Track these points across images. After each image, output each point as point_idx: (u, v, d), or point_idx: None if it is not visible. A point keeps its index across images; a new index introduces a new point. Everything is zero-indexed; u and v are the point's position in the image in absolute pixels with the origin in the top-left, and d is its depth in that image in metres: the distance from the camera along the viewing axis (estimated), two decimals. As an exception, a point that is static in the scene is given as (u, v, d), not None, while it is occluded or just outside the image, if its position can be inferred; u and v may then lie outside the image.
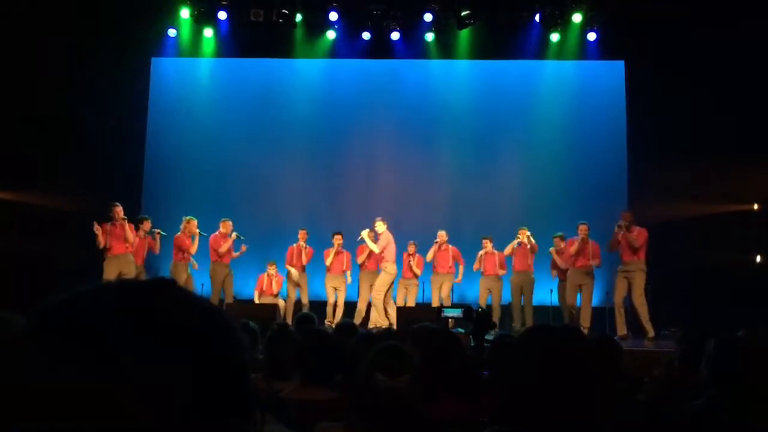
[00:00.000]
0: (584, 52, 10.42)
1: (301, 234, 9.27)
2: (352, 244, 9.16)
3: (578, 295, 8.44)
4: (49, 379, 0.48)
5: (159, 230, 8.75)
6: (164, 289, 0.55)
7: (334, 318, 8.91)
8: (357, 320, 8.45)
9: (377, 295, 8.69)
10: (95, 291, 0.53)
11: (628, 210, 8.50)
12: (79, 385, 0.47)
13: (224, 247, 8.75)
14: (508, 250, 8.91)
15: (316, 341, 2.72)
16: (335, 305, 9.10)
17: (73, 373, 0.47)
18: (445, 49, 10.69)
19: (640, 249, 8.00)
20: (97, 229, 8.00)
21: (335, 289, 9.13)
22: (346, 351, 2.85)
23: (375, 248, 8.82)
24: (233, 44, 10.65)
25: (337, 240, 9.14)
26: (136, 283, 0.55)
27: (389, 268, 8.75)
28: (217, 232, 8.89)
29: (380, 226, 8.91)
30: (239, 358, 0.55)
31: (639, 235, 8.00)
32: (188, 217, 8.73)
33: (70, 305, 0.52)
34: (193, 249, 8.69)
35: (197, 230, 8.74)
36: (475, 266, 9.03)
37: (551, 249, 8.90)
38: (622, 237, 8.03)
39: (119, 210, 8.14)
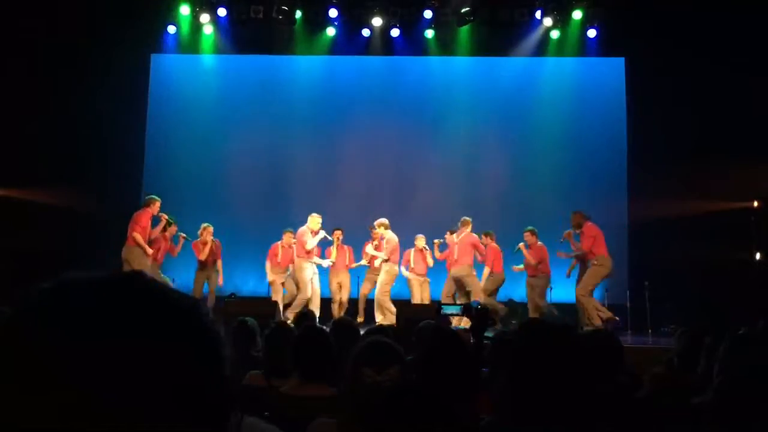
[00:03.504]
0: (584, 48, 10.40)
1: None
2: (352, 240, 9.16)
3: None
4: (17, 379, 0.47)
5: (184, 234, 8.67)
6: (136, 284, 0.53)
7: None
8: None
9: (382, 296, 8.52)
10: (69, 285, 0.52)
11: (577, 211, 8.40)
12: (46, 385, 0.46)
13: (311, 243, 8.53)
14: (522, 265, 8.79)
15: (313, 338, 2.72)
16: (340, 302, 8.92)
17: (41, 374, 0.46)
18: (445, 45, 10.67)
19: (584, 245, 8.03)
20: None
21: (340, 285, 8.97)
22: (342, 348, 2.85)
23: (383, 256, 8.60)
24: (233, 41, 10.63)
25: (337, 235, 9.01)
26: (108, 278, 0.53)
27: (392, 268, 8.60)
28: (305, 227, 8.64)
29: (384, 230, 8.66)
30: (216, 356, 0.53)
31: (581, 235, 8.09)
32: (205, 224, 8.65)
33: (44, 301, 0.50)
34: (202, 256, 8.55)
35: (210, 237, 8.61)
36: (439, 256, 8.95)
37: (520, 244, 8.66)
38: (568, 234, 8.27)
39: (158, 205, 8.22)
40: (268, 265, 8.75)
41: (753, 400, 1.71)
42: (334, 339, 2.82)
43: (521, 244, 8.65)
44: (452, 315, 6.20)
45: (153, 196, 8.26)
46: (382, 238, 8.65)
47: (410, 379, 1.88)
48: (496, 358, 2.92)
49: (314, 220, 8.65)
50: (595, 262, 8.00)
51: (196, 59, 10.88)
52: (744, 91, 8.88)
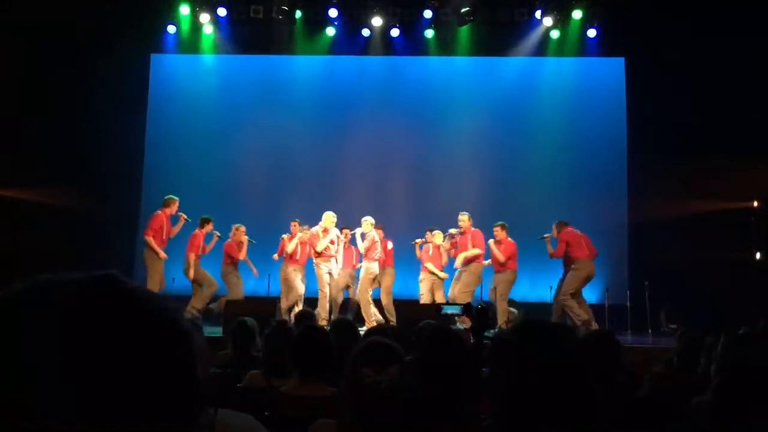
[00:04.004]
0: (584, 48, 10.40)
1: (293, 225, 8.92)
2: (351, 240, 9.14)
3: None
4: None
5: (218, 233, 8.70)
6: (105, 285, 0.53)
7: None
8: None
9: (363, 295, 8.45)
10: (45, 285, 0.52)
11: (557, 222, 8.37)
12: (13, 387, 0.46)
13: (320, 245, 8.43)
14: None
15: (313, 338, 2.72)
16: (345, 301, 8.87)
17: (11, 375, 0.47)
18: (445, 45, 10.67)
19: (556, 252, 8.13)
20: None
21: (347, 285, 8.92)
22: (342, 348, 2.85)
23: (360, 247, 8.59)
24: (233, 41, 10.64)
25: (346, 234, 8.96)
26: (84, 279, 0.53)
27: (371, 267, 8.48)
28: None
29: (367, 226, 8.56)
30: (186, 357, 0.53)
31: (558, 242, 8.17)
32: (237, 225, 8.66)
33: (15, 300, 0.51)
34: (242, 255, 8.60)
35: (245, 237, 8.63)
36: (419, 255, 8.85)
37: (491, 240, 8.41)
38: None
39: (176, 205, 8.25)
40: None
41: (752, 400, 1.71)
42: (334, 339, 2.82)
43: (491, 240, 8.41)
44: (452, 315, 6.21)
45: (171, 196, 8.29)
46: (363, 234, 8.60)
47: (410, 379, 1.89)
48: (496, 358, 2.92)
49: (327, 219, 8.50)
50: (574, 266, 8.03)
51: (196, 59, 10.88)
52: (744, 91, 8.88)
